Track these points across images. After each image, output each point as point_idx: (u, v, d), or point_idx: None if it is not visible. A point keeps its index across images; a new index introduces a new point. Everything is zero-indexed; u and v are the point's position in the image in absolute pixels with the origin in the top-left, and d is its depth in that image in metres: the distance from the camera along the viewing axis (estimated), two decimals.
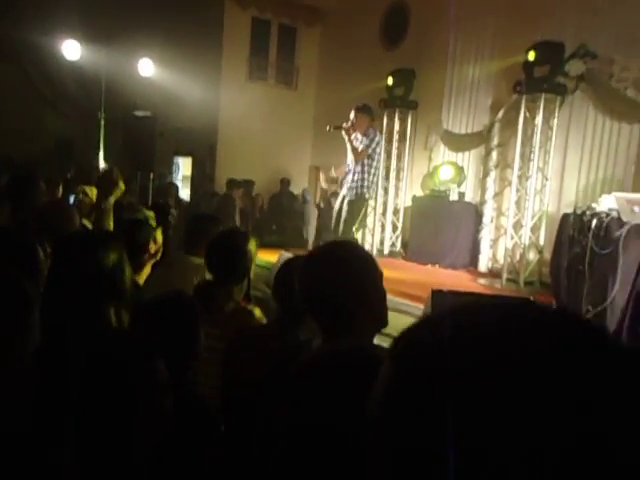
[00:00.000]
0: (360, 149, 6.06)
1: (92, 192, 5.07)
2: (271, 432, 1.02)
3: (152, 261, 2.83)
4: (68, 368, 1.22)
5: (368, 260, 1.55)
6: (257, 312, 2.40)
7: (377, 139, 6.20)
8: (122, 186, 2.57)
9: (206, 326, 2.32)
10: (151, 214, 3.77)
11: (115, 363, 1.23)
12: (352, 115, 6.14)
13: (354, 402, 0.88)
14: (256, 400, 1.36)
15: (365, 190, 6.18)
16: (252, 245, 2.50)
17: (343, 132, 6.10)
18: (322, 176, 6.88)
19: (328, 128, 6.32)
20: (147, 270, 2.81)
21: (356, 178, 6.14)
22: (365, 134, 6.12)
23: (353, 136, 6.13)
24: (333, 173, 6.55)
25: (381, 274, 1.56)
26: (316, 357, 1.00)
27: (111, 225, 2.45)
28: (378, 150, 6.26)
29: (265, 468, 1.05)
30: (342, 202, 6.32)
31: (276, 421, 0.96)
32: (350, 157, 6.19)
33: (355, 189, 6.16)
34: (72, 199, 4.12)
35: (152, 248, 2.81)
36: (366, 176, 6.15)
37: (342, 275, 1.45)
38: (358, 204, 6.23)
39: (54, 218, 2.86)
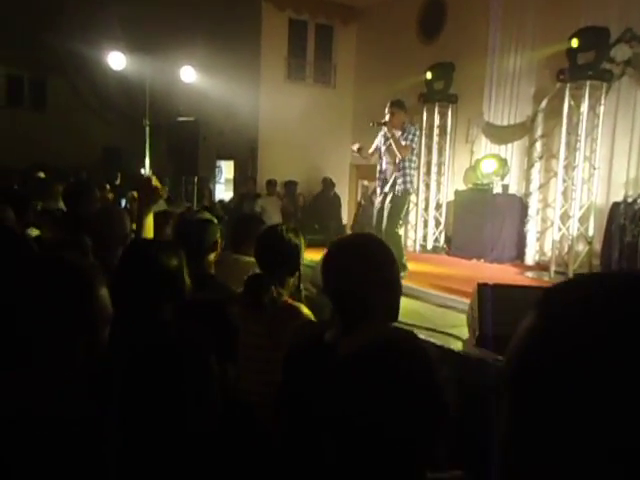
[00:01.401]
0: (405, 144, 6.02)
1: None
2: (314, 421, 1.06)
3: (216, 258, 2.94)
4: (128, 358, 1.30)
5: (389, 254, 1.58)
6: (304, 309, 2.43)
7: (418, 132, 6.18)
8: (164, 193, 2.66)
9: (253, 323, 2.37)
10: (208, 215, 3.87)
11: (172, 354, 1.30)
12: (388, 110, 6.09)
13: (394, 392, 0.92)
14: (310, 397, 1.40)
15: (409, 186, 6.12)
16: (301, 240, 2.53)
17: (386, 128, 6.05)
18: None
19: (372, 124, 6.27)
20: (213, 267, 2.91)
21: (399, 174, 6.07)
22: (403, 129, 6.05)
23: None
24: (356, 147, 6.37)
25: (398, 268, 1.60)
26: (361, 347, 1.04)
27: (151, 233, 2.51)
28: (416, 144, 6.24)
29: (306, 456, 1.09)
30: (384, 199, 6.24)
31: (319, 411, 1.00)
32: (387, 153, 6.13)
33: (399, 185, 6.09)
34: (123, 203, 4.27)
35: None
36: (408, 171, 6.09)
37: (365, 267, 1.49)
38: (403, 199, 6.16)
39: (108, 223, 2.97)
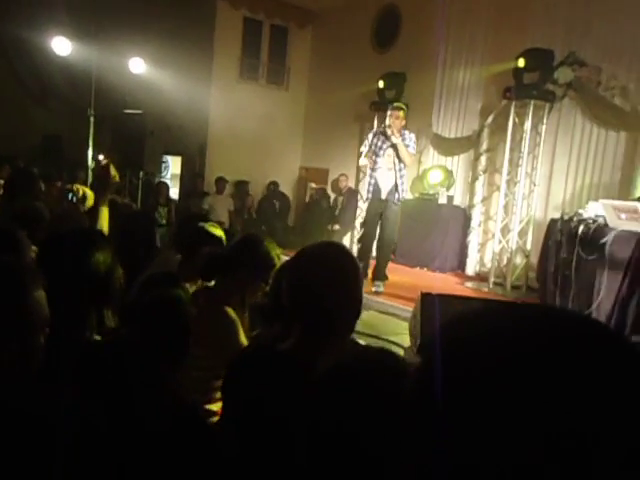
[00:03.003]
0: (410, 152, 5.89)
1: (82, 191, 5.08)
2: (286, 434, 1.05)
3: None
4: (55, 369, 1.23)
5: (355, 262, 1.56)
6: (230, 311, 2.41)
7: (414, 139, 6.05)
8: (117, 177, 2.54)
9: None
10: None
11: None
12: (392, 114, 5.86)
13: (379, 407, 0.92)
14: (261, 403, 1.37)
15: (405, 194, 6.10)
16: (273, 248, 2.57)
17: (389, 132, 5.81)
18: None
19: (383, 126, 6.01)
20: None
21: (400, 181, 5.95)
22: (402, 135, 5.88)
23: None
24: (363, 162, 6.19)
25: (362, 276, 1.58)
26: (344, 363, 1.03)
27: (106, 225, 2.43)
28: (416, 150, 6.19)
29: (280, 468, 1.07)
30: (377, 206, 6.07)
31: (295, 424, 0.99)
32: (385, 158, 5.96)
33: (399, 192, 5.99)
34: (70, 197, 4.10)
35: None
36: (405, 179, 6.02)
37: (334, 276, 1.46)
38: (399, 207, 6.14)
39: (68, 224, 2.85)
